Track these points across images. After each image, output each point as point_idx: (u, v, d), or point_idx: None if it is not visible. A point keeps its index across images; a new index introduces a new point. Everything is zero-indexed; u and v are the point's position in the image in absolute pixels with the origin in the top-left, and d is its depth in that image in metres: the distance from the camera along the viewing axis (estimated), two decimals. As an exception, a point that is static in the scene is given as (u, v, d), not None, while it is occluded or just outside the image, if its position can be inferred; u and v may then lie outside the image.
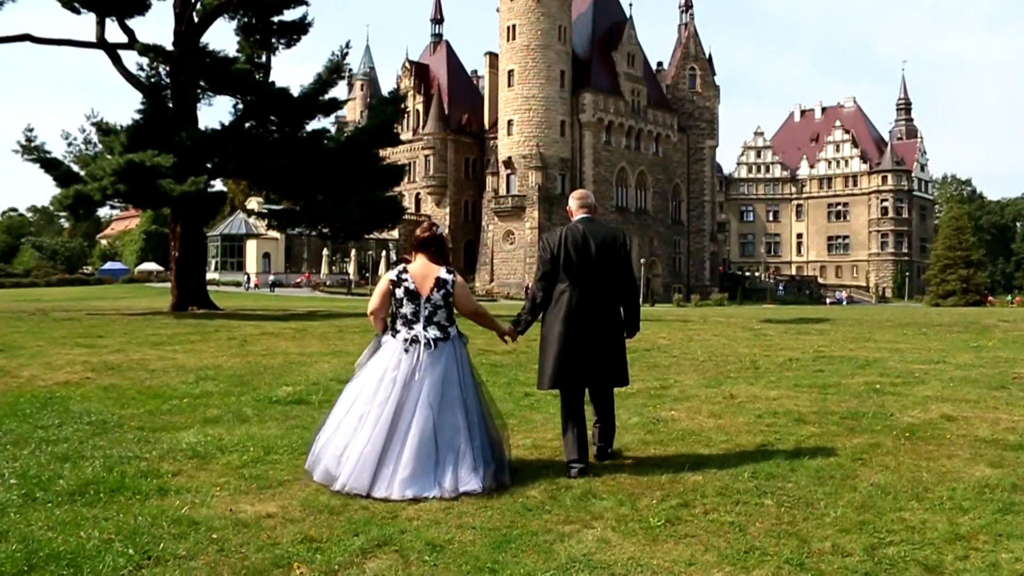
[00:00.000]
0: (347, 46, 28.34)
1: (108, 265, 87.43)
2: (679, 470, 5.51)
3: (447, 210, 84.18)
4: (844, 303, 78.44)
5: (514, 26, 75.77)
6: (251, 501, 4.80)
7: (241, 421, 7.18)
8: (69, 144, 25.92)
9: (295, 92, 27.11)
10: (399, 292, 5.35)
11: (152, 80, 26.32)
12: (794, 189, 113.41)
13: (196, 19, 26.05)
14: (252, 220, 57.73)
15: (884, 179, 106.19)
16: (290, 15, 27.87)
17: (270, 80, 28.00)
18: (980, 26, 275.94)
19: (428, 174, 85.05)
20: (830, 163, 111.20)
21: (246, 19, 27.58)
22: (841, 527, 4.39)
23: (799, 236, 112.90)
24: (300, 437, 6.41)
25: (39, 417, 7.19)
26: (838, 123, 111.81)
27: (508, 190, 77.38)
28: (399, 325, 5.34)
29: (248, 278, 64.21)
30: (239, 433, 6.59)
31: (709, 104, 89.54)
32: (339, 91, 33.24)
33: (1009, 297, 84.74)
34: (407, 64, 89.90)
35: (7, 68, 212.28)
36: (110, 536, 4.12)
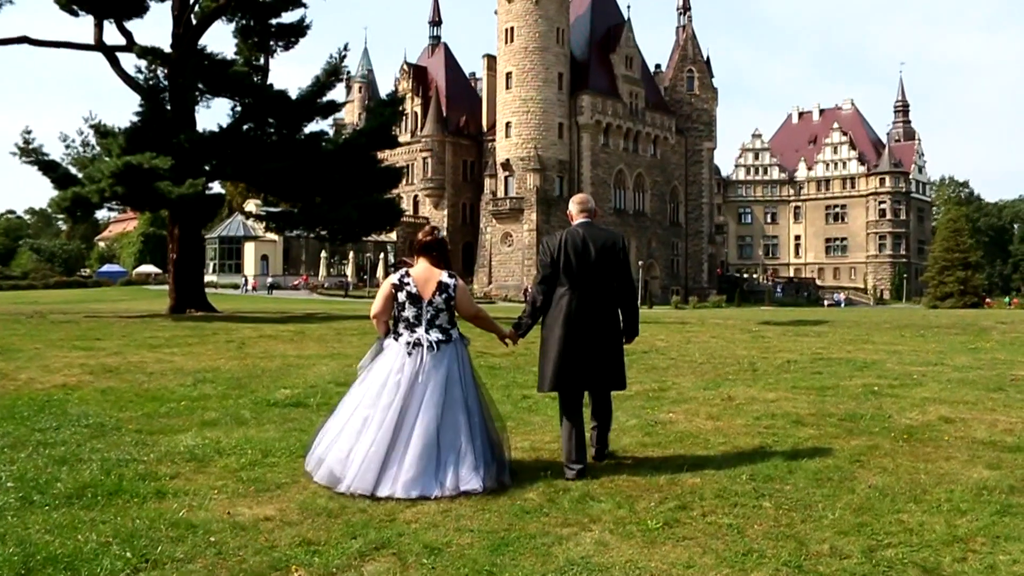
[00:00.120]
0: (345, 48, 28.41)
1: (106, 267, 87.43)
2: (677, 472, 5.52)
3: (445, 212, 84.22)
4: (842, 305, 78.51)
5: (512, 28, 75.84)
6: (249, 504, 4.80)
7: (239, 424, 7.17)
8: (67, 146, 25.93)
9: (293, 94, 27.12)
10: (401, 296, 5.40)
11: (150, 82, 26.32)
12: (792, 191, 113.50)
13: (194, 21, 26.07)
14: (250, 222, 57.81)
15: (882, 181, 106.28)
16: (288, 17, 27.94)
17: (268, 82, 28.06)
18: (978, 28, 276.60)
19: (426, 176, 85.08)
20: (828, 165, 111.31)
21: (244, 21, 27.61)
22: (839, 529, 4.40)
23: (797, 238, 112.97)
24: (298, 440, 6.41)
25: (36, 420, 7.18)
26: (836, 125, 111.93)
27: (506, 192, 77.42)
28: (402, 328, 5.38)
29: (246, 280, 64.19)
30: (237, 436, 6.59)
31: (707, 106, 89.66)
32: (337, 93, 33.28)
33: (1007, 299, 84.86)
34: (405, 66, 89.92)
35: (5, 70, 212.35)
36: (108, 539, 4.12)
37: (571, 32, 78.71)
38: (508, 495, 5.01)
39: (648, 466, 5.71)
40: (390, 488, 4.95)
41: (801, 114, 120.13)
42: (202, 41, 26.46)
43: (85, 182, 24.23)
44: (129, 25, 25.53)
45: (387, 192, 30.23)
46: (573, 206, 5.90)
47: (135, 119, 25.72)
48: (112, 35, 25.99)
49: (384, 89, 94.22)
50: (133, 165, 22.41)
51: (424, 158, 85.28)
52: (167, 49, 25.63)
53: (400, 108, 30.79)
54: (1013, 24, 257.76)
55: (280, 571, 3.81)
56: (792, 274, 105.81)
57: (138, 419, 7.33)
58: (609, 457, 5.92)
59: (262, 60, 28.52)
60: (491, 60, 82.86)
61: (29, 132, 24.84)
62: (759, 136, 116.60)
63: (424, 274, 5.44)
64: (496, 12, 78.04)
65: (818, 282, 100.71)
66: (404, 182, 64.62)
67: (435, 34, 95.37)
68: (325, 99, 27.88)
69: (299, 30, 28.26)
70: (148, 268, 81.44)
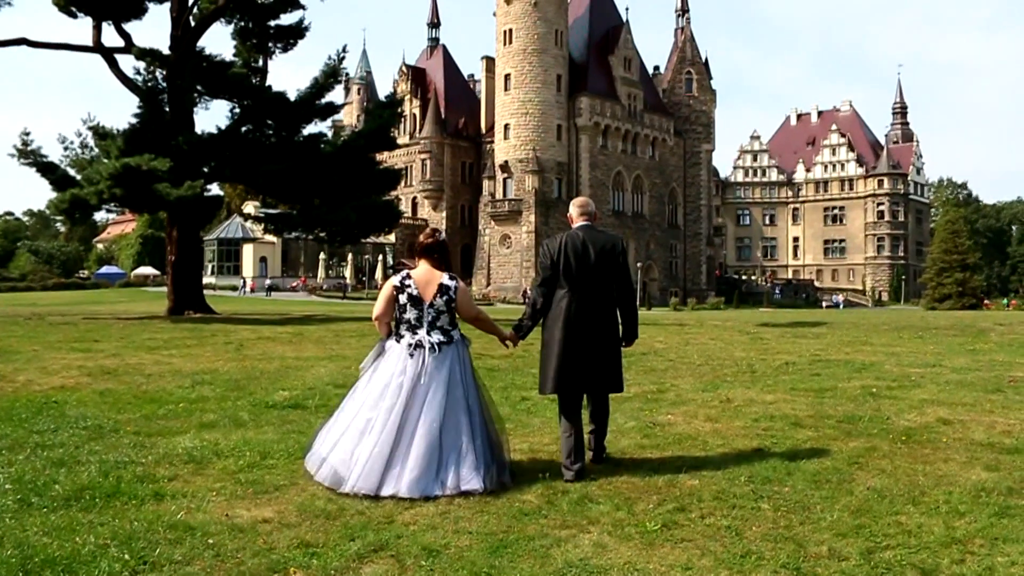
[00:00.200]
0: (344, 50, 28.40)
1: (104, 269, 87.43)
2: (675, 474, 5.52)
3: (444, 214, 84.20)
4: (840, 307, 78.59)
5: (511, 30, 75.88)
6: (247, 506, 4.80)
7: (237, 426, 7.17)
8: (65, 148, 25.93)
9: (292, 96, 27.13)
10: (403, 298, 5.44)
11: (149, 84, 26.31)
12: (790, 193, 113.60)
13: (193, 23, 26.09)
14: (249, 224, 57.89)
15: (880, 183, 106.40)
16: (287, 19, 27.97)
17: (267, 84, 28.08)
18: (976, 30, 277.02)
19: (425, 178, 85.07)
20: (826, 167, 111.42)
21: (243, 23, 27.63)
22: (837, 531, 4.40)
23: (795, 240, 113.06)
24: (296, 442, 6.41)
25: (34, 422, 7.17)
26: (834, 127, 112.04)
27: (505, 194, 77.43)
28: (403, 330, 5.42)
29: (244, 282, 64.17)
30: (235, 438, 6.58)
31: (705, 108, 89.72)
32: (336, 95, 33.35)
33: (1005, 300, 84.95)
34: (404, 68, 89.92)
35: (3, 72, 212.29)
36: (106, 541, 4.11)
37: (569, 34, 78.75)
38: (506, 497, 5.01)
39: (646, 468, 5.71)
40: (394, 488, 4.98)
41: (799, 116, 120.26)
42: (201, 43, 26.51)
43: (83, 184, 24.24)
44: (128, 27, 25.57)
45: (386, 194, 30.24)
46: (573, 209, 5.93)
47: (133, 121, 25.72)
48: (111, 37, 26.15)
49: (383, 91, 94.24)
50: (131, 167, 22.42)
51: (423, 160, 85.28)
52: (166, 51, 25.65)
53: (399, 110, 30.81)
54: (1011, 26, 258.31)
55: (278, 573, 3.81)
56: (790, 276, 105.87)
57: (136, 421, 7.32)
58: (607, 460, 5.92)
59: (261, 62, 28.54)
60: (490, 62, 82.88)
61: (27, 134, 24.89)
62: (757, 138, 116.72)
63: (425, 276, 5.47)
64: (495, 14, 78.08)
65: (816, 284, 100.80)
66: (403, 184, 64.79)
67: (434, 36, 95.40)
68: (324, 101, 27.89)
69: (298, 32, 28.28)
70: (146, 270, 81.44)
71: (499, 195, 77.76)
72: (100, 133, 25.80)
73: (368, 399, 5.30)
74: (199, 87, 26.50)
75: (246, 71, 27.49)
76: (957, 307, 67.24)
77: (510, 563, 3.95)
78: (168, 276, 27.34)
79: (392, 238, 75.50)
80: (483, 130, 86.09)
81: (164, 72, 25.99)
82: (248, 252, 71.71)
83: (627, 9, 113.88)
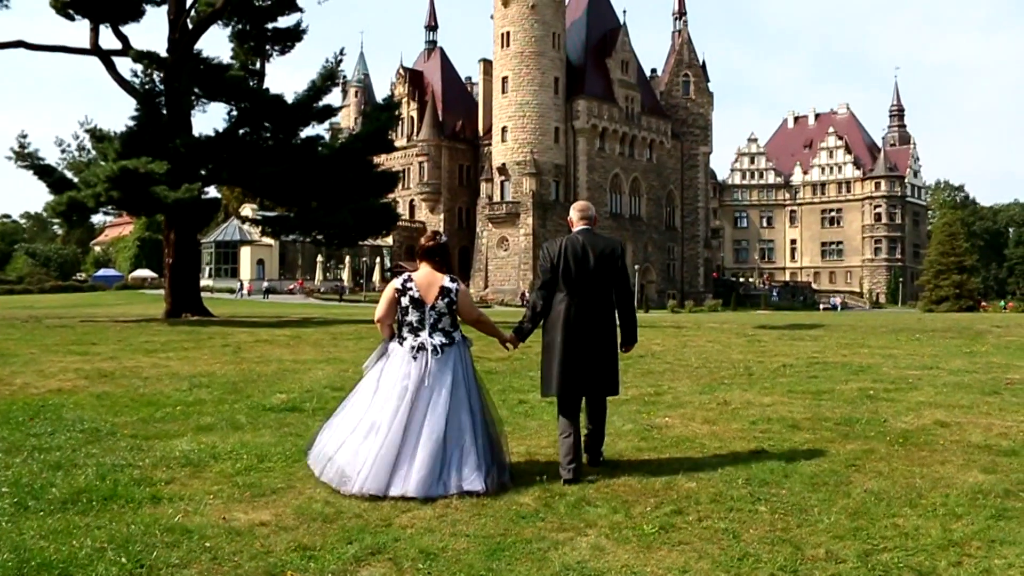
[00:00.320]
0: (341, 53, 28.42)
1: (102, 272, 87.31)
2: (673, 477, 5.52)
3: (441, 217, 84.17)
4: (838, 309, 78.67)
5: (508, 33, 75.92)
6: (244, 509, 4.79)
7: (235, 429, 7.16)
8: (63, 151, 25.94)
9: (289, 99, 27.14)
10: (404, 301, 5.49)
11: (146, 87, 26.33)
12: (788, 195, 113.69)
13: (190, 26, 26.08)
14: (246, 227, 57.84)
15: (877, 185, 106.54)
16: (284, 22, 28.01)
17: (264, 87, 28.09)
18: (973, 32, 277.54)
19: (422, 181, 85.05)
20: (824, 169, 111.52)
21: (240, 26, 27.65)
22: (835, 534, 4.40)
23: (793, 242, 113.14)
24: (294, 444, 6.41)
25: (31, 425, 7.17)
26: (831, 129, 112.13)
27: (502, 196, 77.45)
28: (405, 332, 5.47)
29: (241, 285, 64.11)
30: (233, 441, 6.58)
31: (703, 110, 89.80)
32: (333, 98, 33.47)
33: (1002, 303, 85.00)
34: (401, 71, 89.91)
35: (0, 74, 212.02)
36: (103, 545, 4.11)
37: (567, 37, 78.81)
38: (504, 500, 5.01)
39: (644, 470, 5.71)
40: (401, 488, 5.03)
41: (797, 118, 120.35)
42: (198, 45, 26.51)
43: (81, 186, 24.23)
44: (125, 29, 25.61)
45: (383, 196, 30.25)
46: (574, 213, 5.96)
47: (131, 123, 25.74)
48: (108, 39, 25.95)
49: (380, 93, 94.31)
50: (129, 169, 22.42)
51: (420, 162, 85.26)
52: (163, 53, 25.66)
53: (396, 112, 30.82)
54: (1008, 28, 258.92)
55: (275, 576, 3.81)
56: (788, 278, 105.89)
57: (133, 424, 7.32)
58: (604, 463, 5.93)
59: (258, 64, 28.57)
60: (487, 64, 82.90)
61: (25, 136, 24.87)
62: (755, 140, 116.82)
63: (427, 279, 5.52)
64: (492, 17, 78.13)
65: (814, 286, 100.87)
66: (400, 186, 64.48)
67: (431, 38, 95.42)
68: (321, 103, 27.90)
69: (295, 34, 28.31)
70: (144, 272, 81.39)
71: (497, 198, 77.77)
72: (97, 136, 25.80)
73: (375, 401, 5.35)
74: (196, 90, 26.51)
75: (243, 74, 27.50)
76: (954, 309, 67.34)
77: (507, 566, 3.95)
78: (165, 279, 27.35)
79: (389, 240, 75.49)
80: (481, 133, 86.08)
81: (162, 75, 26.00)
82: (245, 255, 71.67)
83: (624, 12, 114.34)
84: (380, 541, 4.25)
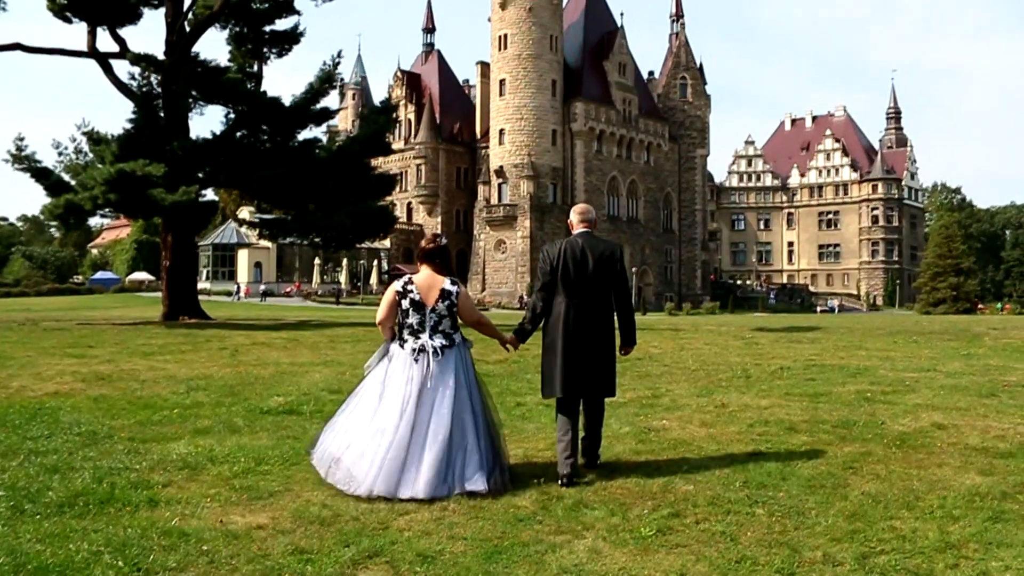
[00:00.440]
0: (339, 55, 28.39)
1: (99, 275, 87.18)
2: (670, 479, 5.52)
3: (438, 219, 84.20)
4: (835, 311, 78.72)
5: (506, 35, 75.98)
6: (242, 512, 4.79)
7: (232, 432, 7.15)
8: (60, 153, 25.87)
9: (287, 101, 27.11)
10: (405, 303, 5.53)
11: (143, 89, 26.30)
12: (785, 198, 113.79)
13: (188, 28, 26.04)
14: (243, 229, 57.86)
15: (874, 188, 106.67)
16: (282, 24, 27.96)
17: (262, 89, 28.03)
18: (969, 36, 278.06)
19: (420, 183, 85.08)
20: (821, 172, 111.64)
21: (238, 28, 27.62)
22: (832, 536, 4.40)
23: (790, 244, 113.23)
24: (291, 447, 6.41)
25: (28, 428, 7.15)
26: (828, 132, 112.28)
27: (500, 199, 77.48)
28: (406, 335, 5.52)
29: (238, 287, 64.08)
30: (230, 444, 6.57)
31: (700, 113, 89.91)
32: (331, 100, 33.46)
33: (999, 305, 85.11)
34: (399, 73, 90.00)
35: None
36: (99, 548, 4.10)
37: (564, 39, 78.90)
38: (501, 502, 5.02)
39: (641, 473, 5.71)
40: (411, 491, 5.07)
41: (794, 121, 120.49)
42: (195, 48, 26.45)
43: (78, 189, 24.18)
44: (122, 32, 25.53)
45: (380, 199, 30.21)
46: (574, 216, 6.01)
47: (128, 126, 25.70)
48: (105, 42, 25.93)
49: (378, 96, 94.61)
50: (126, 172, 22.38)
51: (418, 165, 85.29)
52: (160, 56, 25.61)
53: (394, 115, 30.91)
54: (1004, 31, 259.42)
55: (273, 580, 3.80)
56: (785, 280, 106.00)
57: (131, 427, 7.30)
58: (601, 467, 5.93)
59: (256, 67, 28.52)
60: (485, 67, 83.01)
61: (22, 139, 24.79)
62: (752, 143, 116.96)
63: (427, 281, 5.56)
64: (490, 19, 78.19)
65: (811, 288, 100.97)
66: (397, 189, 64.51)
67: (429, 41, 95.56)
68: (319, 106, 27.87)
69: (293, 37, 28.29)
70: (141, 275, 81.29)
71: (494, 200, 77.81)
72: (95, 138, 25.77)
73: (380, 403, 5.39)
74: (194, 92, 26.48)
75: (241, 76, 27.47)
76: (951, 311, 67.44)
77: (505, 569, 3.95)
78: (163, 281, 27.28)
79: (387, 243, 75.51)
80: (478, 135, 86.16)
81: (159, 77, 25.96)
82: (243, 257, 71.63)
83: (622, 14, 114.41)
84: (377, 544, 4.25)
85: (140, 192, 22.75)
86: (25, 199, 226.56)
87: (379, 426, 5.29)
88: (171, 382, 10.35)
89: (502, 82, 76.65)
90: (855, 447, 6.56)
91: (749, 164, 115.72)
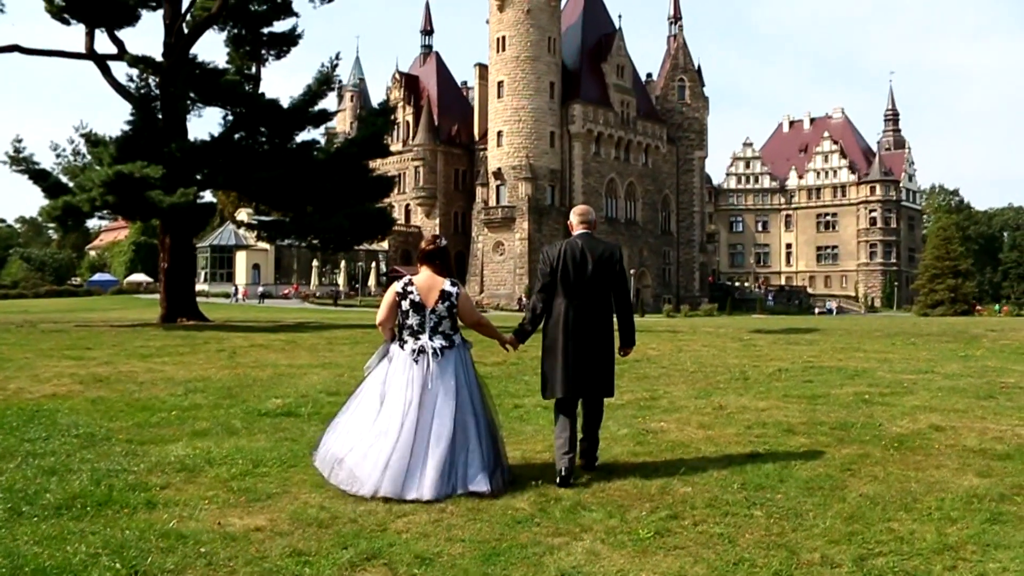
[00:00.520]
0: (337, 57, 28.40)
1: (97, 276, 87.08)
2: (668, 481, 5.52)
3: (437, 221, 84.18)
4: (833, 313, 78.76)
5: (504, 37, 75.99)
6: (240, 514, 4.78)
7: (230, 434, 7.15)
8: (58, 155, 25.88)
9: (285, 103, 27.11)
10: (405, 304, 5.56)
11: (142, 91, 26.29)
12: (783, 199, 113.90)
13: (186, 30, 26.04)
14: (242, 231, 57.80)
15: (872, 189, 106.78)
16: (280, 27, 27.98)
17: (260, 91, 28.03)
18: (967, 37, 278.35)
19: (418, 185, 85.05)
20: (819, 173, 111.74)
21: (236, 30, 27.63)
22: (830, 538, 4.40)
23: (788, 246, 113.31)
24: (289, 449, 6.41)
25: (26, 430, 7.14)
26: (826, 134, 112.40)
27: (498, 201, 77.46)
28: (406, 335, 5.54)
29: (236, 289, 64.04)
30: (228, 446, 6.57)
31: (698, 115, 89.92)
32: (329, 102, 33.34)
33: (997, 307, 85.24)
34: (397, 75, 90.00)
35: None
36: (97, 551, 4.10)
37: (562, 41, 78.90)
38: (499, 504, 5.02)
39: (639, 475, 5.71)
40: (416, 492, 5.09)
41: (792, 123, 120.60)
42: (194, 50, 26.48)
43: (76, 191, 24.17)
44: (120, 34, 25.54)
45: (378, 201, 30.23)
46: (574, 217, 6.04)
47: (126, 128, 25.69)
48: (103, 44, 26.10)
49: (376, 98, 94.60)
50: (124, 174, 22.37)
51: (416, 167, 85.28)
52: (158, 58, 25.61)
53: (392, 117, 30.87)
54: (1002, 32, 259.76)
55: (270, 582, 3.80)
56: (783, 282, 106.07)
57: (128, 429, 7.30)
58: (599, 467, 5.93)
59: (254, 69, 28.53)
60: (483, 69, 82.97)
61: (20, 141, 24.78)
62: (750, 145, 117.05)
63: (427, 282, 5.59)
64: (488, 21, 78.20)
65: (809, 290, 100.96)
66: (396, 191, 64.56)
67: (427, 43, 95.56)
68: (317, 108, 27.88)
69: (291, 39, 28.30)
70: (139, 277, 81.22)
71: (492, 202, 77.79)
72: (92, 140, 25.76)
73: (383, 406, 5.40)
74: (192, 94, 26.48)
75: (239, 78, 27.47)
76: (949, 313, 67.46)
77: (503, 571, 3.95)
78: (161, 283, 27.27)
79: (385, 245, 75.48)
80: (476, 137, 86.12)
81: (157, 79, 25.95)
82: (241, 259, 71.58)
83: (620, 16, 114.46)
84: (375, 546, 4.25)
85: (138, 194, 22.75)
86: (23, 201, 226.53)
87: (381, 428, 5.30)
88: (169, 384, 10.34)
89: (500, 84, 76.66)
90: (853, 449, 6.57)
91: (747, 166, 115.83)
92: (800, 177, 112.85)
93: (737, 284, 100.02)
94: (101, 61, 25.43)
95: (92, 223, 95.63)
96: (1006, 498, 5.14)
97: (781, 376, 11.77)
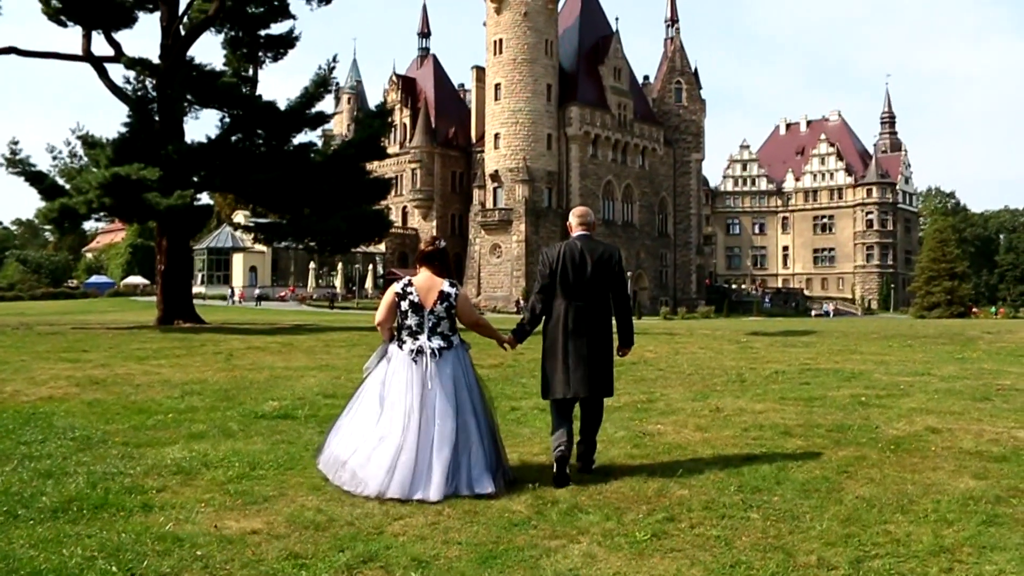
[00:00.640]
0: (334, 59, 28.43)
1: (93, 279, 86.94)
2: (665, 484, 5.52)
3: (434, 223, 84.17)
4: (830, 315, 78.76)
5: (501, 40, 76.03)
6: (236, 517, 4.78)
7: (227, 436, 7.14)
8: (54, 157, 25.82)
9: (282, 106, 27.12)
10: (404, 304, 5.59)
11: (138, 93, 26.27)
12: (780, 202, 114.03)
13: (183, 32, 26.05)
14: (239, 234, 57.63)
15: (869, 192, 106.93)
16: (277, 29, 27.98)
17: (257, 93, 28.02)
18: (963, 40, 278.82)
19: (415, 188, 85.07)
20: (815, 176, 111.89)
21: (233, 33, 27.63)
22: (826, 540, 4.41)
23: (785, 249, 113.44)
24: (286, 452, 6.40)
25: (22, 433, 7.13)
26: (823, 136, 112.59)
27: (495, 203, 77.47)
28: (405, 336, 5.57)
29: (233, 292, 63.99)
30: (224, 448, 6.56)
31: (695, 117, 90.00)
32: (326, 105, 33.31)
33: (993, 309, 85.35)
34: (394, 77, 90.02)
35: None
36: (93, 553, 4.09)
37: (560, 44, 78.94)
38: (496, 507, 5.02)
39: (636, 477, 5.71)
40: (422, 493, 5.12)
41: (788, 125, 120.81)
42: (191, 52, 26.47)
43: (72, 193, 24.14)
44: (117, 36, 25.54)
45: (376, 203, 30.24)
46: (573, 218, 6.09)
47: (123, 130, 25.67)
48: (100, 46, 26.04)
49: (373, 100, 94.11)
50: (121, 176, 22.35)
51: (413, 169, 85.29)
52: (155, 60, 25.61)
53: (389, 119, 30.81)
54: (999, 35, 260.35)
55: (267, 585, 3.79)
56: (780, 285, 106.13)
57: (125, 432, 7.29)
58: (596, 470, 5.93)
59: (251, 71, 28.53)
60: (480, 71, 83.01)
61: (16, 143, 24.78)
62: (747, 147, 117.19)
63: (426, 283, 5.61)
64: (485, 24, 78.24)
65: (806, 292, 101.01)
66: (393, 193, 64.36)
67: (424, 45, 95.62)
68: (314, 110, 27.88)
69: (288, 41, 28.30)
70: (136, 279, 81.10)
71: (489, 204, 77.78)
72: (89, 142, 25.74)
73: (384, 406, 5.43)
74: (189, 96, 26.47)
75: (236, 80, 27.45)
76: (946, 315, 67.50)
77: (500, 573, 3.95)
78: (157, 285, 27.24)
79: (382, 247, 75.44)
80: (473, 139, 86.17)
81: (154, 81, 25.94)
82: (238, 261, 71.53)
83: (617, 19, 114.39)
84: (372, 549, 4.25)
85: (135, 196, 22.72)
86: (19, 203, 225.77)
87: (383, 430, 5.32)
88: (165, 386, 10.33)
89: (497, 86, 76.68)
90: (849, 451, 6.57)
91: (744, 168, 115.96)
92: (797, 179, 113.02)
93: (734, 286, 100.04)
94: (98, 63, 25.42)
95: (89, 225, 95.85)
96: (1002, 500, 5.15)
97: (778, 378, 11.78)
